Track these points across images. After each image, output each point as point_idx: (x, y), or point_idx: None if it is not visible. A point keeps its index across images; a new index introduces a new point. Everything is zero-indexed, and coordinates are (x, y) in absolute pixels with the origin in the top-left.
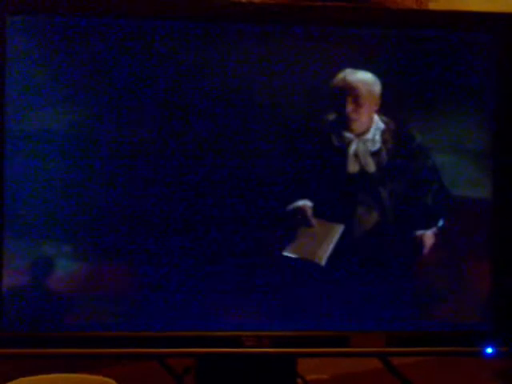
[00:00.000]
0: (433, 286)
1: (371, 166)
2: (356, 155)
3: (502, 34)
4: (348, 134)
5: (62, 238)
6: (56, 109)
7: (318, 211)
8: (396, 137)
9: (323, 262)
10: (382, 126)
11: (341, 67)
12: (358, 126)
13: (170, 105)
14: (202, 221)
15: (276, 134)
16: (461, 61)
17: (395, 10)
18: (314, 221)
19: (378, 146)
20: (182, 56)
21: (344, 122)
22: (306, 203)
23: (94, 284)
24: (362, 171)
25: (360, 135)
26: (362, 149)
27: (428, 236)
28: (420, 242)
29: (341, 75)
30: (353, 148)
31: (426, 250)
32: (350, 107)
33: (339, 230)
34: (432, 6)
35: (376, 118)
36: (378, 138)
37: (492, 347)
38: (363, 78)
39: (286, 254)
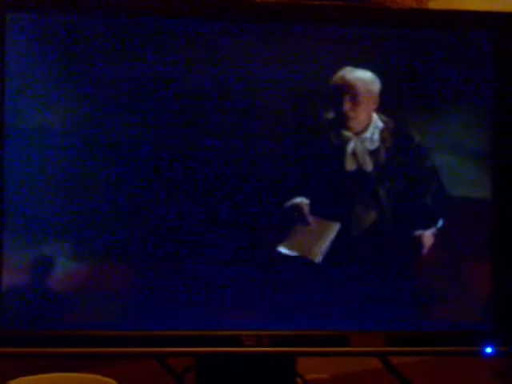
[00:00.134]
0: (432, 285)
1: (369, 165)
2: (354, 154)
3: (502, 34)
4: (346, 133)
5: (62, 238)
6: (56, 107)
7: (314, 209)
8: (395, 136)
9: (318, 260)
10: (380, 124)
11: (340, 66)
12: (356, 125)
13: (168, 103)
14: (201, 220)
15: (275, 131)
16: (460, 60)
17: (395, 10)
18: (310, 218)
19: (376, 144)
20: (182, 55)
21: (342, 121)
22: (303, 200)
23: (93, 283)
24: (360, 170)
25: (358, 134)
26: (360, 147)
27: (427, 236)
28: (419, 241)
29: (339, 73)
30: (351, 146)
31: (425, 250)
32: (348, 105)
33: (336, 228)
34: (432, 5)
35: (375, 116)
36: (376, 136)
37: (491, 347)
38: (361, 77)
39: (281, 250)
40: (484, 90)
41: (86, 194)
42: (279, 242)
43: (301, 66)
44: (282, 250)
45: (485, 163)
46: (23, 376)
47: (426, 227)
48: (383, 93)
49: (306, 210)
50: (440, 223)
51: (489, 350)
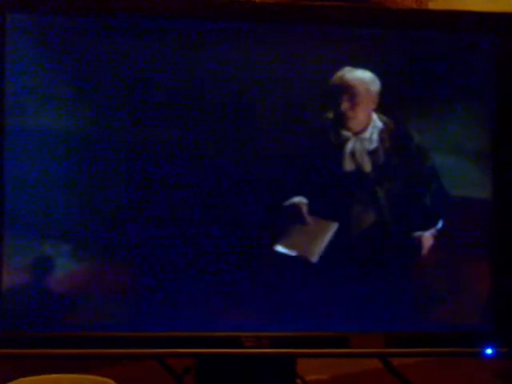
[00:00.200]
0: (432, 286)
1: (368, 165)
2: (353, 153)
3: (502, 34)
4: (345, 132)
5: (62, 238)
6: (56, 107)
7: (313, 208)
8: (394, 136)
9: (314, 259)
10: (380, 124)
11: (340, 66)
12: (355, 125)
13: (168, 103)
14: (201, 220)
15: (274, 130)
16: (460, 61)
17: (395, 10)
18: (309, 218)
19: (375, 144)
20: (182, 55)
21: (341, 120)
22: (301, 200)
23: (94, 284)
24: (359, 170)
25: (357, 134)
26: (358, 147)
27: (427, 236)
28: (419, 242)
29: (339, 73)
30: (349, 146)
31: (425, 251)
32: (346, 105)
33: (334, 227)
34: (431, 5)
35: (374, 117)
36: (375, 136)
37: (492, 348)
38: (360, 77)
39: (278, 249)
40: (484, 91)
41: (86, 195)
42: (278, 241)
43: (300, 66)
44: (280, 249)
45: (484, 163)
46: (23, 377)
47: (426, 228)
48: (383, 93)
49: (305, 209)
50: (440, 224)
51: (489, 351)
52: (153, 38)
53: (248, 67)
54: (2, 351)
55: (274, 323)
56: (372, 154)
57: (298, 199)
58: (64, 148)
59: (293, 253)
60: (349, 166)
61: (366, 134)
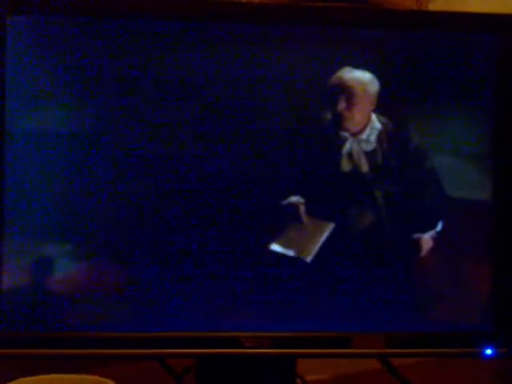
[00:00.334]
0: (433, 287)
1: (365, 166)
2: (350, 154)
3: (502, 35)
4: (343, 133)
5: (62, 238)
6: (56, 109)
7: (310, 208)
8: (393, 137)
9: (309, 259)
10: (378, 125)
11: (339, 67)
12: (352, 125)
13: (168, 104)
14: (199, 220)
15: (272, 130)
16: (460, 62)
17: (395, 11)
18: (305, 218)
19: (373, 145)
20: (182, 56)
21: (339, 121)
22: (298, 200)
23: (93, 284)
24: (356, 171)
25: (355, 134)
26: (356, 148)
27: (427, 237)
28: (420, 243)
29: (337, 74)
30: (347, 147)
31: (425, 251)
32: (344, 106)
33: (330, 228)
34: (431, 6)
35: (373, 118)
36: (373, 138)
37: (491, 348)
38: (358, 77)
39: (274, 248)
40: (485, 92)
41: (86, 195)
42: (275, 240)
43: (300, 66)
44: (276, 248)
45: (484, 164)
46: (23, 377)
47: (425, 229)
48: (382, 94)
49: (302, 209)
50: (439, 225)
51: (489, 351)
52: (153, 39)
53: (246, 68)
54: (1, 351)
55: (274, 323)
56: (370, 154)
57: (295, 199)
58: (64, 148)
59: (289, 252)
60: (346, 166)
61: (364, 135)
